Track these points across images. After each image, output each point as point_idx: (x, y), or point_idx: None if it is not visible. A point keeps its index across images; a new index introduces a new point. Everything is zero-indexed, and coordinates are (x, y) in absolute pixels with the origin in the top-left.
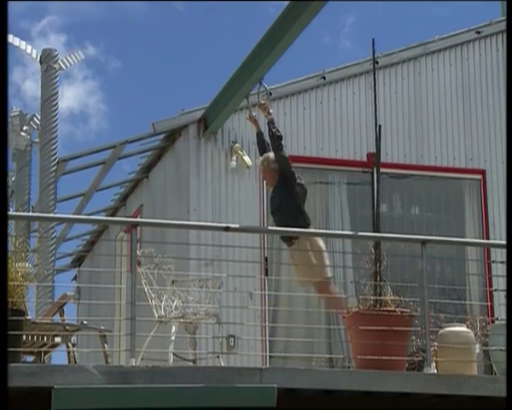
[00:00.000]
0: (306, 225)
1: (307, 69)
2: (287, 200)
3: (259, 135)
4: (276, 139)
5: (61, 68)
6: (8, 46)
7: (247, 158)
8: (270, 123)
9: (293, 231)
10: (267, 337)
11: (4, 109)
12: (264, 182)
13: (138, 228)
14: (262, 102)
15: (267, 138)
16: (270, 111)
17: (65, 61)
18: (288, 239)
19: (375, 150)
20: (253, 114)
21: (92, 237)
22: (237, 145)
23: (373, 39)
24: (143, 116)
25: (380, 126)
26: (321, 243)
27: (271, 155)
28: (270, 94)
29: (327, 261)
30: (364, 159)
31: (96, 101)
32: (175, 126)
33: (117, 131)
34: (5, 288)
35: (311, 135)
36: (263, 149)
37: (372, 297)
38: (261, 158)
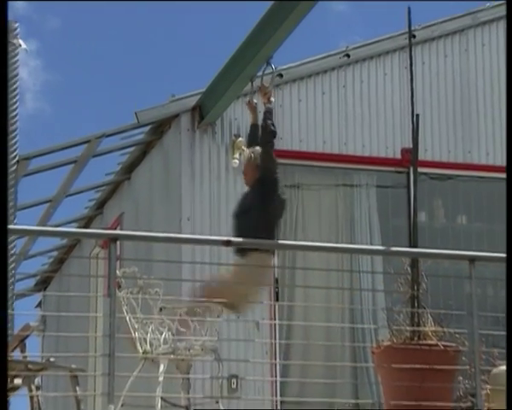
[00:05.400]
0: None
1: (321, 45)
2: (259, 209)
3: (254, 127)
4: (269, 134)
5: (20, 46)
6: (8, 45)
7: None
8: (268, 112)
9: (316, 246)
10: (278, 378)
11: (4, 110)
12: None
13: (118, 242)
14: (265, 84)
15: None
16: (272, 99)
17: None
18: (243, 250)
19: (411, 146)
20: (254, 101)
21: (61, 254)
22: (240, 139)
23: (409, 8)
24: (121, 103)
25: (418, 116)
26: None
27: (258, 150)
28: (281, 76)
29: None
30: (398, 156)
31: (31, 72)
32: (163, 116)
33: (67, 117)
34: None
35: (331, 126)
36: (252, 142)
37: (408, 328)
38: (250, 149)
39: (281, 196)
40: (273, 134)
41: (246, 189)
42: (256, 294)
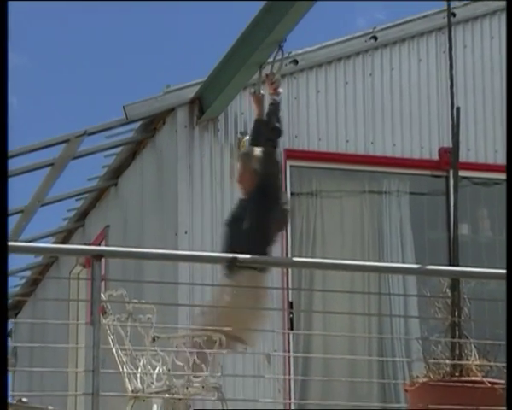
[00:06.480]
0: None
1: (336, 25)
2: (255, 219)
3: (259, 123)
4: (272, 131)
5: None
6: (8, 45)
7: None
8: (273, 105)
9: (337, 264)
10: None
11: (4, 108)
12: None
13: (103, 260)
14: (274, 71)
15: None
16: (280, 90)
17: None
18: (233, 267)
19: (451, 145)
20: (261, 92)
21: (35, 274)
22: (248, 138)
23: None
24: (107, 95)
25: (458, 109)
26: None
27: (258, 151)
28: (296, 62)
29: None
30: (436, 157)
31: None
32: (156, 111)
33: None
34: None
35: (356, 122)
36: (255, 141)
37: (448, 361)
38: (243, 150)
39: (283, 206)
40: (277, 132)
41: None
42: (256, 319)
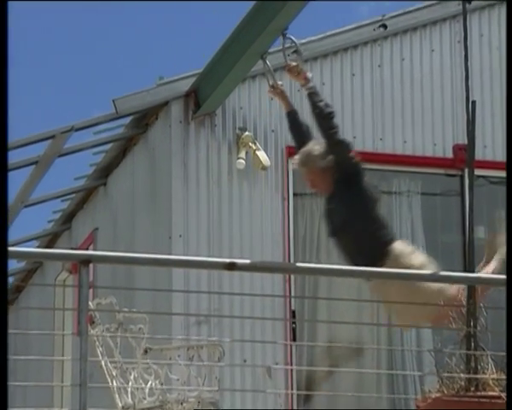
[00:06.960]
0: (390, 243)
1: (341, 12)
2: (358, 208)
3: (293, 115)
4: (327, 117)
5: None
6: (8, 45)
7: (262, 154)
8: (312, 94)
9: (343, 270)
10: None
11: (4, 109)
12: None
13: (91, 265)
14: (292, 63)
15: (306, 120)
16: (308, 75)
17: None
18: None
19: (466, 142)
20: (279, 83)
21: (17, 281)
22: (247, 134)
23: None
24: (95, 88)
25: (474, 103)
26: (417, 256)
27: (315, 146)
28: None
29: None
30: (450, 155)
31: None
32: (149, 105)
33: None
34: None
35: (363, 117)
36: (300, 137)
37: (463, 375)
38: (298, 155)
39: (368, 182)
40: (331, 116)
41: (324, 198)
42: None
